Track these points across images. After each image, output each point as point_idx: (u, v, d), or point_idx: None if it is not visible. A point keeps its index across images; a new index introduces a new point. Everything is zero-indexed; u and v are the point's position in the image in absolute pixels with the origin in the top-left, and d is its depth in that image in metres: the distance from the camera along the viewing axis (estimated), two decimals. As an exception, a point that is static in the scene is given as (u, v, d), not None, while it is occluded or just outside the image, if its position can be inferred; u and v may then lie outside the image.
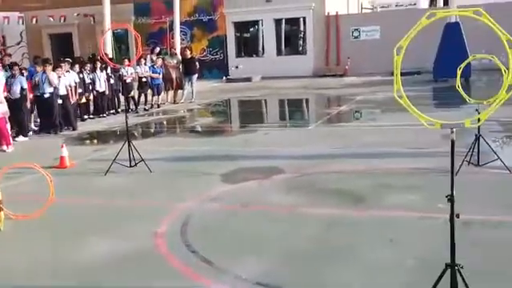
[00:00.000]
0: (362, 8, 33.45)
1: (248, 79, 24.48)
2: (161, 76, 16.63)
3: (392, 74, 3.33)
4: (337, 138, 10.18)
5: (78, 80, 13.27)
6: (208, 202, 6.46)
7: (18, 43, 27.31)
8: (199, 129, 12.94)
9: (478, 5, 18.01)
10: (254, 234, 5.35)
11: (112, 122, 13.92)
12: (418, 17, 3.31)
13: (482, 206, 5.63)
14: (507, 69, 3.99)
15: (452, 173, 3.24)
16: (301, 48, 26.82)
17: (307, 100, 18.46)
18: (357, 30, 25.56)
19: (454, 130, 3.18)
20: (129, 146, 8.18)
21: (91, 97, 14.42)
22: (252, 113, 15.75)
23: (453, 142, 3.21)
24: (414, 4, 37.11)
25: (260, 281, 4.21)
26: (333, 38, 25.71)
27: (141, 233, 5.46)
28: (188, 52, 18.12)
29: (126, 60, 16.61)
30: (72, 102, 12.93)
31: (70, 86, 12.88)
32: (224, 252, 4.89)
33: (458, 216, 3.21)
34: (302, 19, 26.15)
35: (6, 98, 10.63)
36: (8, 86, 11.14)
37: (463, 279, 3.25)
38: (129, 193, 7.15)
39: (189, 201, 6.48)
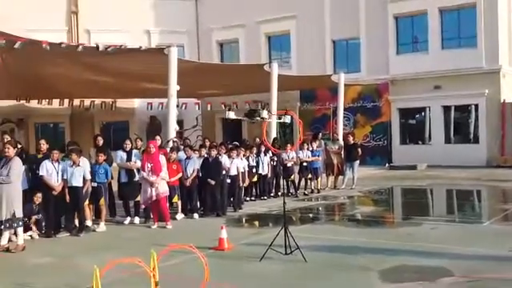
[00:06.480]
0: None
1: (413, 167, 23.36)
2: (320, 159, 16.60)
3: None
4: (516, 239, 8.94)
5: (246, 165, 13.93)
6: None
7: (194, 126, 30.42)
8: (359, 217, 12.40)
9: None
10: None
11: (272, 204, 14.01)
12: None
13: None
14: None
15: None
16: (472, 136, 25.14)
17: (479, 192, 16.89)
18: (537, 118, 23.36)
19: None
20: (285, 232, 8.01)
21: (255, 179, 14.84)
22: (417, 204, 14.78)
23: None
24: None
25: None
26: (509, 126, 23.74)
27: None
28: (351, 138, 17.97)
29: (289, 145, 16.96)
30: (241, 185, 13.51)
31: (244, 169, 13.69)
32: None
33: None
34: (473, 106, 24.70)
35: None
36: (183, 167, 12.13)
37: None
38: (284, 283, 6.89)
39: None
